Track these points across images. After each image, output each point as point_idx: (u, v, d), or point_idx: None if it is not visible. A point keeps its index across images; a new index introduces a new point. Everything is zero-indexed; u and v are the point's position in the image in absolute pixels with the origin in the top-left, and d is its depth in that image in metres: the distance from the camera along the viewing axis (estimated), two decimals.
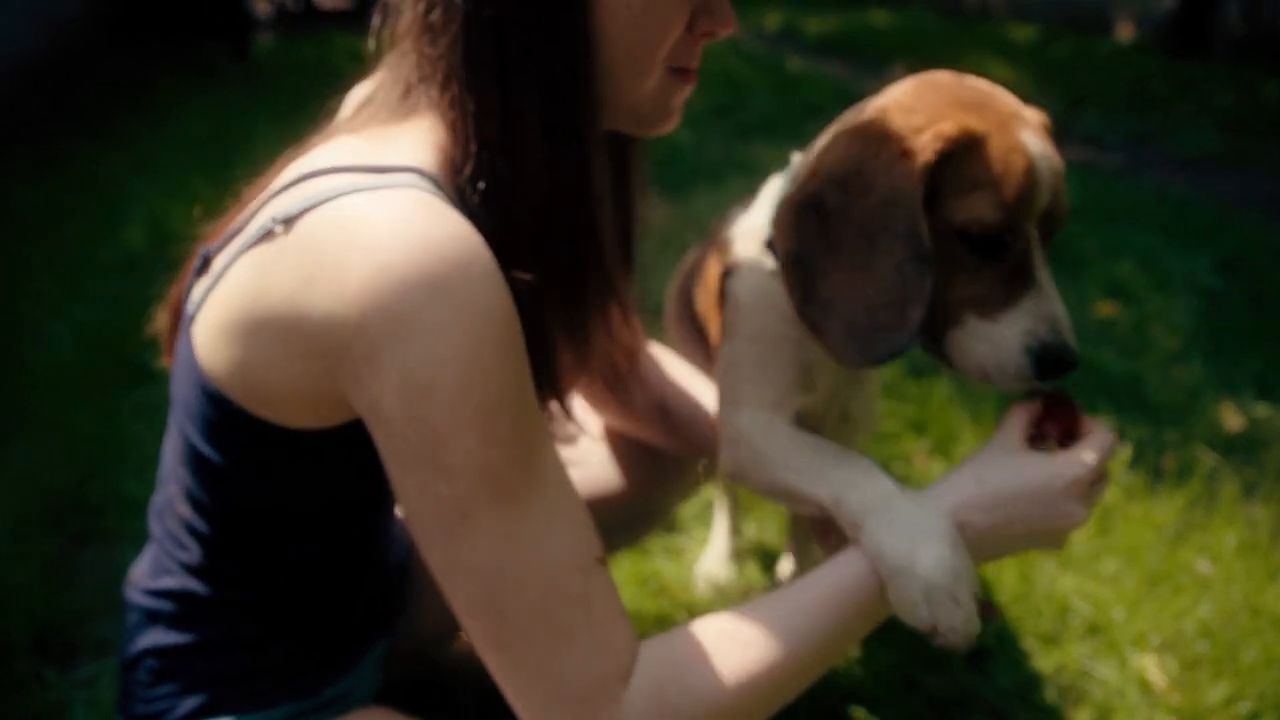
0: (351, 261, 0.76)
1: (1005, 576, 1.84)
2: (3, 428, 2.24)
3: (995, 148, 0.90)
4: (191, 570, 1.00)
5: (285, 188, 0.86)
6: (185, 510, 0.98)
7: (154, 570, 1.05)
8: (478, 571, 0.81)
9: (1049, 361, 0.88)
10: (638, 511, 1.47)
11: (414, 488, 0.80)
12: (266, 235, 0.83)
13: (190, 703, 1.00)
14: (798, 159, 1.14)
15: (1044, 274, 0.91)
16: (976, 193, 0.89)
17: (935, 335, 0.96)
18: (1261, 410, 2.55)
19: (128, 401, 2.26)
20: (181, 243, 1.03)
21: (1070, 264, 3.40)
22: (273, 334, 0.82)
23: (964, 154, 0.90)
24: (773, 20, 10.03)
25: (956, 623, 0.83)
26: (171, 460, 1.00)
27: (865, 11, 10.23)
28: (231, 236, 0.91)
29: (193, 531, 0.99)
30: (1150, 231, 3.71)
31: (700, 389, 1.36)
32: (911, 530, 0.85)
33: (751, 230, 1.14)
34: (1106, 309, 3.06)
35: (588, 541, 0.85)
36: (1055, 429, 0.92)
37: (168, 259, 1.06)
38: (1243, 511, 2.08)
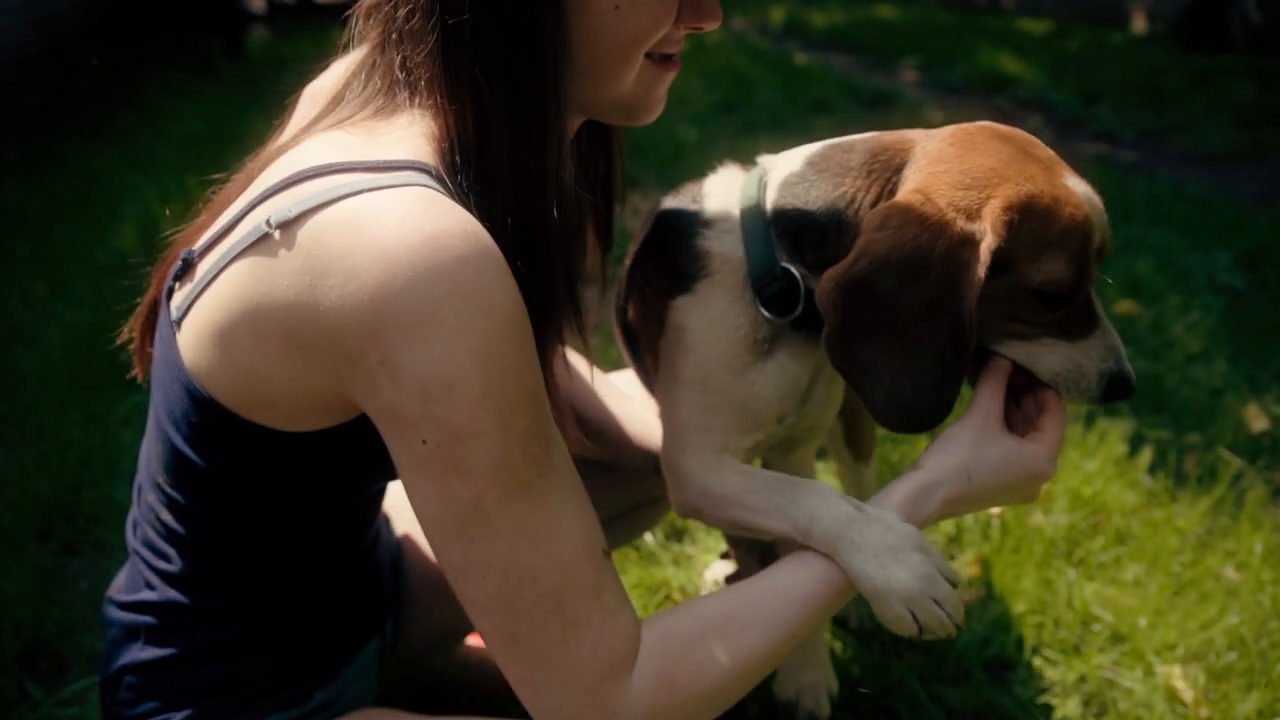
0: (362, 264, 0.75)
1: (1025, 584, 1.78)
2: None
3: (1053, 205, 0.93)
4: (173, 580, 0.97)
5: (277, 189, 0.84)
6: (167, 518, 0.96)
7: (132, 584, 1.02)
8: (494, 568, 0.81)
9: (1115, 388, 0.98)
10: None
11: (431, 489, 0.80)
12: (262, 238, 0.81)
13: (177, 718, 0.97)
14: (773, 169, 1.09)
15: (1099, 307, 0.99)
16: (1046, 255, 0.93)
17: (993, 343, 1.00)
18: None
19: (120, 407, 2.22)
20: (170, 245, 1.00)
21: None
22: (277, 338, 0.81)
23: (1025, 219, 0.92)
24: (778, 15, 9.97)
25: (942, 618, 0.90)
26: (152, 468, 0.98)
27: (872, 5, 10.15)
28: (216, 239, 0.89)
29: (174, 540, 0.97)
30: (1168, 229, 3.64)
31: (616, 403, 1.34)
32: (879, 551, 0.90)
33: (726, 257, 1.07)
34: (1124, 307, 2.99)
35: (596, 530, 0.87)
36: (1020, 379, 1.02)
37: (161, 260, 1.03)
38: (1270, 516, 2.02)
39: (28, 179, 4.01)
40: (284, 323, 0.79)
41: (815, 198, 1.02)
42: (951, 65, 7.04)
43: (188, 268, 0.91)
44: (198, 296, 0.87)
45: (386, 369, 0.76)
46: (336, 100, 0.93)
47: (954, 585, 0.91)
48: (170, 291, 0.92)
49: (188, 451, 0.91)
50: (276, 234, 0.79)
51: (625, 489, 1.39)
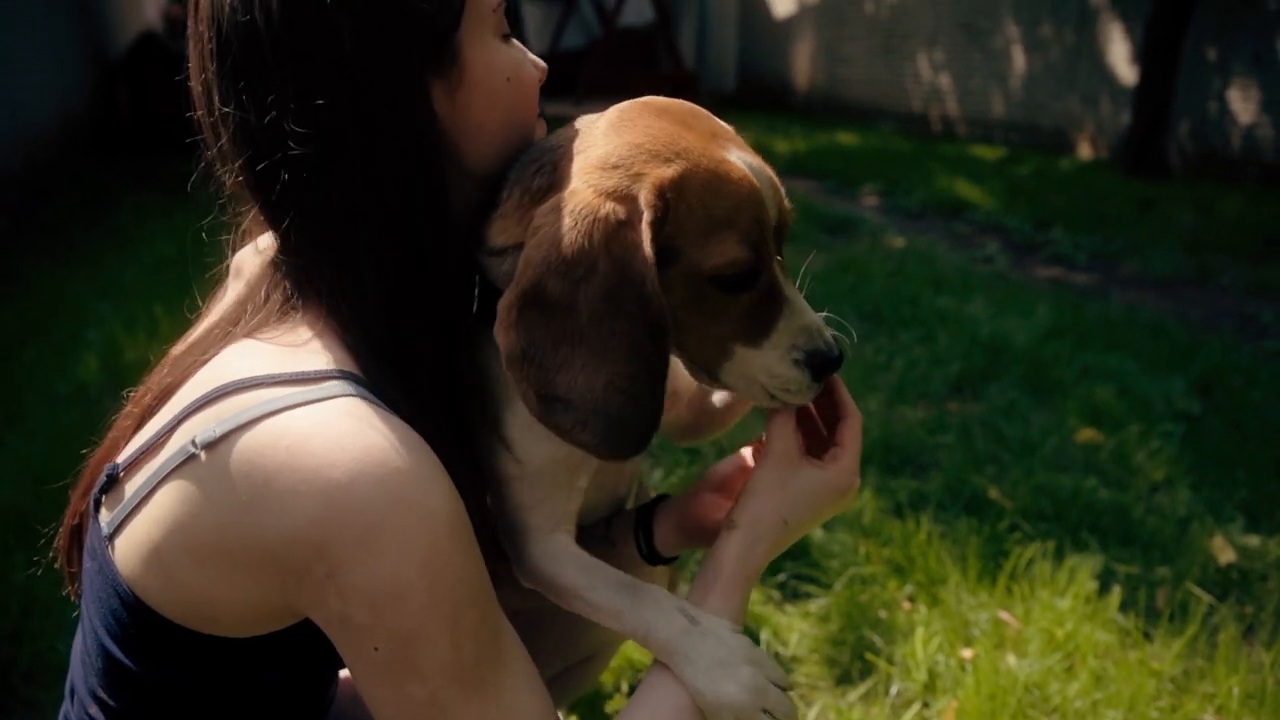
0: (298, 485, 0.76)
1: None
2: None
3: (713, 181, 0.88)
4: None
5: (199, 405, 0.83)
6: None
7: None
8: None
9: (820, 366, 0.93)
10: None
11: (386, 692, 0.81)
12: (190, 459, 0.80)
13: None
14: None
15: (788, 286, 0.94)
16: (716, 236, 0.87)
17: (709, 371, 0.96)
18: (1252, 540, 2.48)
19: None
20: (136, 373, 1.00)
21: (1048, 390, 3.38)
22: (215, 559, 0.80)
23: (683, 198, 0.86)
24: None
25: None
26: (86, 674, 0.93)
27: (833, 132, 10.56)
28: (141, 455, 0.87)
29: None
30: (1124, 354, 3.72)
31: None
32: (710, 666, 0.91)
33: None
34: (1087, 435, 3.02)
35: (548, 701, 0.88)
36: (819, 403, 1.02)
37: (121, 393, 1.01)
38: (1245, 655, 1.99)
39: None
40: (221, 545, 0.79)
41: (495, 231, 0.93)
42: (910, 191, 7.28)
43: (113, 483, 0.89)
44: (130, 515, 0.86)
45: (334, 582, 0.77)
46: (242, 305, 0.93)
47: (785, 689, 0.93)
48: (97, 504, 0.90)
49: (126, 661, 0.87)
50: (203, 455, 0.79)
51: (577, 642, 1.35)
